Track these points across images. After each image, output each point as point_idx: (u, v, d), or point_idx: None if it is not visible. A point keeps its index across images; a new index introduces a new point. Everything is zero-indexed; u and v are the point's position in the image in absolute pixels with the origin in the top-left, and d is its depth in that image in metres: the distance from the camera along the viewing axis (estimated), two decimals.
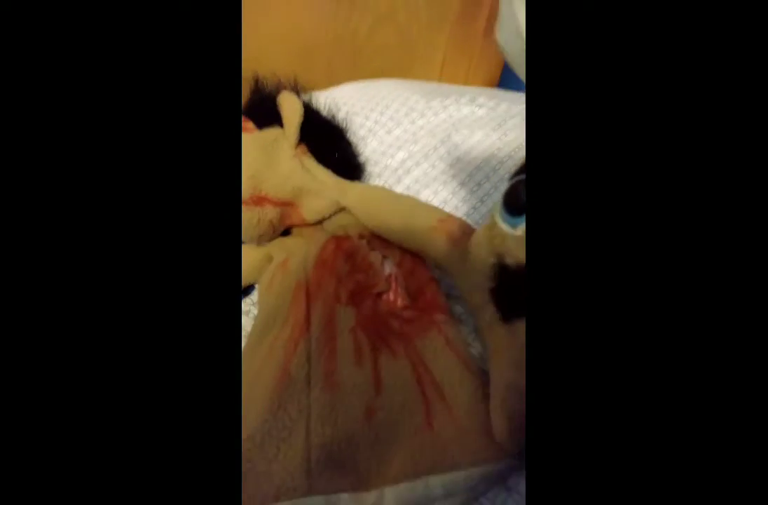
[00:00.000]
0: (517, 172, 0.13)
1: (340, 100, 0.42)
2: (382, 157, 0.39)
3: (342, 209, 0.30)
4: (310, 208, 0.29)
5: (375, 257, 0.26)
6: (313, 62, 0.62)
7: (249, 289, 0.34)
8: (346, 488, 0.16)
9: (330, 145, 0.33)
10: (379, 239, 0.28)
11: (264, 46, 0.61)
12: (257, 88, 0.35)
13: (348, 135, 0.36)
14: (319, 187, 0.29)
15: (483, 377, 0.20)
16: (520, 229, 0.12)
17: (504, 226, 0.13)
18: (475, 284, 0.17)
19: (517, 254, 0.13)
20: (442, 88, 0.46)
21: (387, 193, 0.29)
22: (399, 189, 0.35)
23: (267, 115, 0.32)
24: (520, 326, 0.15)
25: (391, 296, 0.25)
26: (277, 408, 0.18)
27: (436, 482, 0.16)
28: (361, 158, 0.37)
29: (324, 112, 0.34)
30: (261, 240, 0.31)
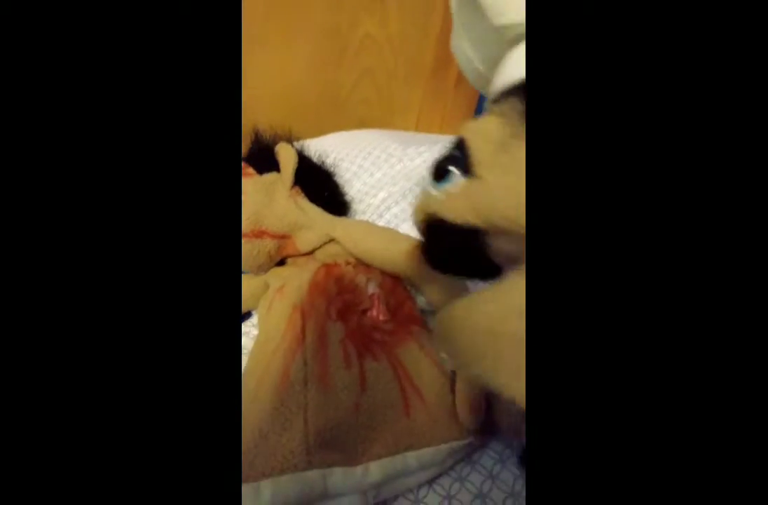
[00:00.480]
0: (452, 147, 0.17)
1: (328, 148, 0.48)
2: (365, 196, 0.44)
3: (331, 240, 0.34)
4: (304, 240, 0.34)
5: (360, 279, 0.31)
6: (302, 114, 0.69)
7: (248, 314, 0.37)
8: (338, 463, 0.20)
9: (320, 186, 0.38)
10: (363, 265, 0.32)
11: (258, 100, 0.68)
12: (257, 139, 0.40)
13: (335, 178, 0.41)
14: (311, 222, 0.34)
15: (450, 375, 0.24)
16: (442, 191, 0.16)
17: (431, 189, 0.17)
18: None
19: (440, 209, 0.16)
20: (417, 137, 0.53)
21: (370, 226, 0.34)
22: (380, 223, 0.41)
23: (265, 162, 0.37)
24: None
25: (374, 312, 0.29)
26: (280, 405, 0.22)
27: (412, 457, 0.20)
28: (347, 197, 0.42)
29: (314, 159, 0.40)
30: (260, 269, 0.35)
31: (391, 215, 0.41)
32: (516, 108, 0.14)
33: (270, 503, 0.19)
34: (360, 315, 0.28)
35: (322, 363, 0.24)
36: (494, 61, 0.18)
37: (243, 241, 0.33)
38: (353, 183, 0.45)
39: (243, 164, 0.38)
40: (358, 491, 0.20)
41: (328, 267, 0.32)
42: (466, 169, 0.15)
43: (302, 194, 0.36)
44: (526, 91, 0.13)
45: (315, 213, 0.35)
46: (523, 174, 0.12)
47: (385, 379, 0.24)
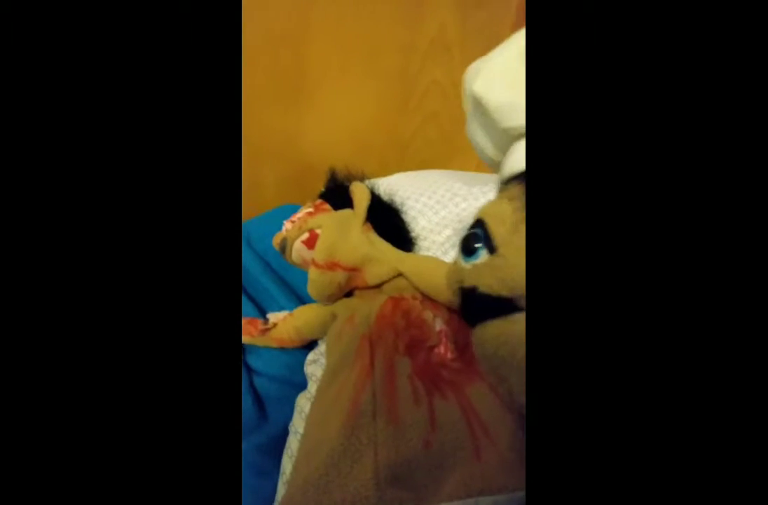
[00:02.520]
0: (472, 226, 0.19)
1: (395, 187, 0.50)
2: (430, 234, 0.46)
3: (399, 275, 0.35)
4: (373, 273, 0.35)
5: (427, 315, 0.31)
6: (367, 154, 0.73)
7: (314, 343, 0.39)
8: (408, 502, 0.19)
9: (388, 223, 0.40)
10: (430, 300, 0.33)
11: (327, 143, 0.73)
12: (333, 177, 0.43)
13: (402, 215, 0.43)
14: (380, 256, 0.36)
15: (522, 418, 0.23)
16: (471, 265, 0.18)
17: (462, 262, 0.19)
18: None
19: (469, 279, 0.18)
20: (481, 177, 0.54)
21: (438, 262, 0.35)
22: (446, 261, 0.41)
23: (340, 199, 0.40)
24: None
25: (442, 349, 0.29)
26: (350, 435, 0.22)
27: (485, 502, 0.19)
28: (413, 234, 0.43)
29: (384, 197, 0.42)
30: (329, 299, 0.36)
31: (456, 253, 0.42)
32: (522, 194, 0.17)
33: None
34: (427, 352, 0.28)
35: (391, 397, 0.25)
36: (503, 151, 0.20)
37: (317, 272, 0.35)
38: (418, 220, 0.47)
39: (319, 201, 0.41)
40: None
41: (395, 300, 0.33)
42: (490, 246, 0.17)
43: (372, 230, 0.38)
44: (526, 182, 0.16)
45: (385, 248, 0.36)
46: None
47: (454, 419, 0.24)
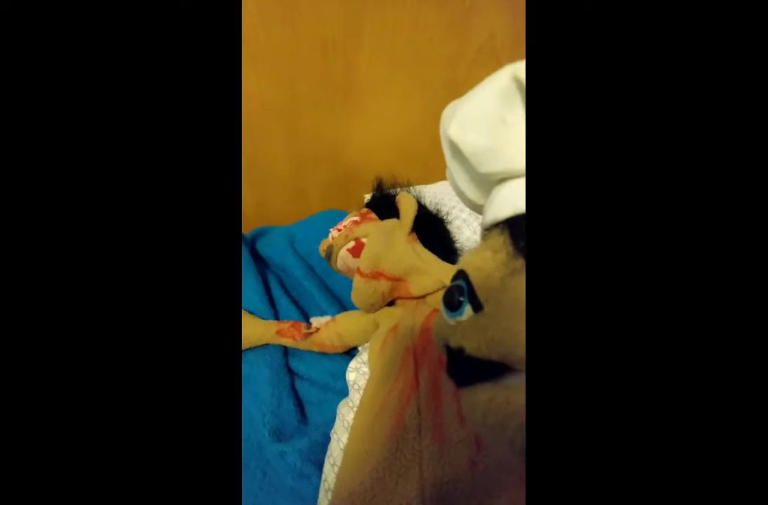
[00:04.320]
0: (455, 278, 0.17)
1: (440, 196, 0.50)
2: (474, 244, 0.45)
3: (444, 287, 0.35)
4: (417, 284, 0.35)
5: None
6: (412, 161, 0.73)
7: (354, 350, 0.39)
8: None
9: (434, 233, 0.40)
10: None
11: (372, 149, 0.74)
12: (379, 186, 0.44)
13: (448, 225, 0.43)
14: (426, 267, 0.35)
15: None
16: (455, 321, 0.17)
17: (446, 317, 0.17)
18: None
19: (454, 338, 0.17)
20: None
21: None
22: None
23: (386, 208, 0.40)
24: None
25: None
26: (395, 449, 0.22)
27: None
28: (457, 245, 0.43)
29: (430, 206, 0.42)
30: (372, 308, 0.37)
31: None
32: (507, 246, 0.15)
33: None
34: None
35: (436, 414, 0.24)
36: (485, 195, 0.19)
37: (362, 281, 0.35)
38: (463, 230, 0.46)
39: (366, 210, 0.41)
40: None
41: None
42: (475, 303, 0.16)
43: (418, 241, 0.38)
44: (514, 233, 0.15)
45: (431, 259, 0.36)
46: (521, 315, 0.14)
47: None
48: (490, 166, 0.16)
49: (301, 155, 0.72)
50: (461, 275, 0.17)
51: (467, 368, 0.16)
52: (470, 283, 0.16)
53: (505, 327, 0.15)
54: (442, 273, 0.35)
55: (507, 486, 0.21)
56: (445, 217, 0.43)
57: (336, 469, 0.25)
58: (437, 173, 0.67)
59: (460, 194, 0.21)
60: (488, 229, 0.17)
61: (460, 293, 0.17)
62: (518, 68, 0.15)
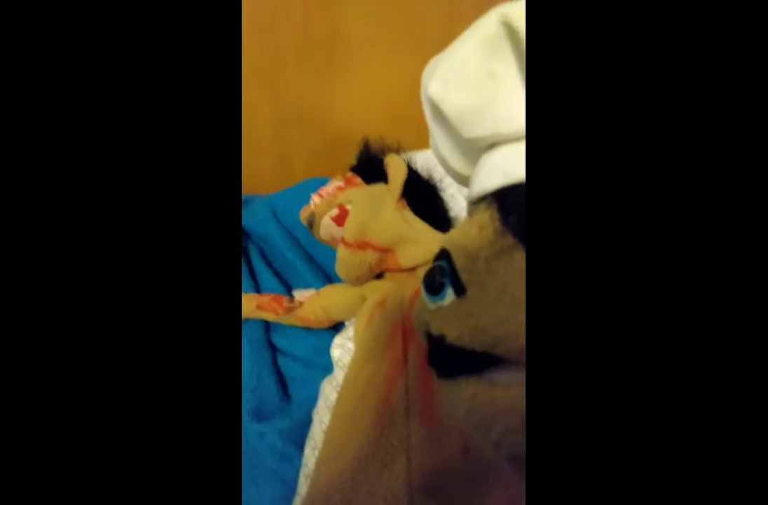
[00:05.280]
0: (437, 257, 0.16)
1: (432, 161, 0.47)
2: None
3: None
4: (407, 255, 0.32)
5: None
6: (404, 127, 0.68)
7: (340, 325, 0.37)
8: None
9: (426, 200, 0.37)
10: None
11: (360, 113, 0.69)
12: (366, 148, 0.40)
13: (441, 192, 0.40)
14: (416, 236, 0.33)
15: None
16: (436, 305, 0.15)
17: (426, 301, 0.16)
18: None
19: (435, 324, 0.15)
20: None
21: None
22: None
23: (373, 173, 0.37)
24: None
25: None
26: (380, 434, 0.20)
27: None
28: (452, 214, 0.40)
29: (422, 172, 0.39)
30: (358, 281, 0.34)
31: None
32: (495, 222, 0.14)
33: None
34: None
35: (426, 394, 0.22)
36: (470, 163, 0.17)
37: (347, 251, 0.32)
38: (458, 199, 0.43)
39: (350, 174, 0.38)
40: None
41: None
42: (457, 285, 0.14)
43: (408, 208, 0.35)
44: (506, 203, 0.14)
45: (422, 227, 0.33)
46: (510, 300, 0.13)
47: None
48: (477, 129, 0.14)
49: (283, 119, 0.67)
50: (443, 254, 0.15)
51: (449, 359, 0.15)
52: (453, 263, 0.14)
53: (490, 314, 0.13)
54: (434, 243, 0.32)
55: (505, 475, 0.19)
56: (438, 184, 0.40)
57: (317, 453, 0.23)
58: (429, 140, 0.64)
59: (444, 164, 0.19)
60: (474, 203, 0.16)
61: (442, 274, 0.15)
62: (507, 12, 0.13)
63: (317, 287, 0.40)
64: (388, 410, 0.21)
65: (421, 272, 0.33)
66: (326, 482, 0.19)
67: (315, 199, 0.36)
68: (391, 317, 0.28)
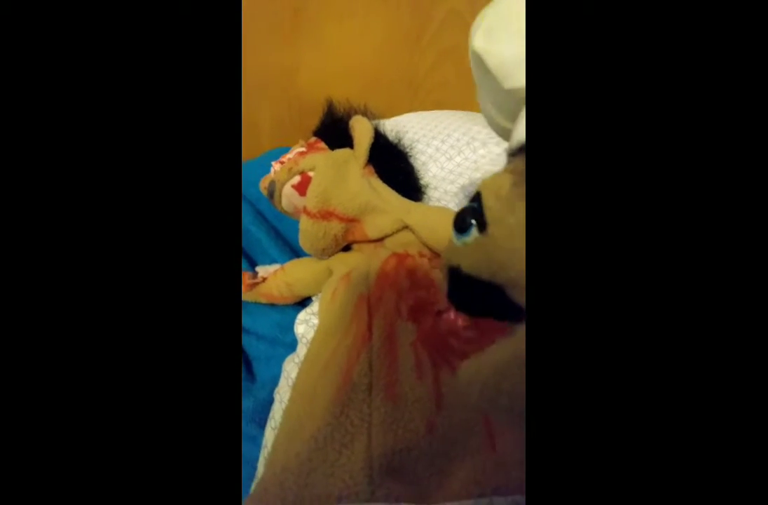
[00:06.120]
0: (472, 199, 0.17)
1: (404, 127, 0.44)
2: (442, 182, 0.40)
3: (404, 228, 0.31)
4: (374, 225, 0.30)
5: (436, 274, 0.27)
6: (375, 93, 0.65)
7: (307, 300, 0.35)
8: (407, 499, 0.16)
9: (394, 167, 0.35)
10: (439, 258, 0.28)
11: (329, 81, 0.65)
12: (330, 111, 0.37)
13: (411, 159, 0.37)
14: (383, 204, 0.31)
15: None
16: (461, 243, 0.16)
17: (454, 240, 0.17)
18: None
19: (455, 259, 0.17)
20: None
21: (451, 214, 0.30)
22: None
23: (338, 137, 0.34)
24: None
25: (452, 315, 0.25)
26: (339, 413, 0.19)
27: (500, 503, 0.16)
28: (422, 182, 0.38)
29: (391, 137, 0.36)
30: (324, 253, 0.32)
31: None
32: (524, 168, 0.15)
33: None
34: (435, 317, 0.24)
35: (390, 369, 0.21)
36: (512, 117, 0.18)
37: (309, 222, 0.30)
38: (429, 167, 0.41)
39: (313, 139, 0.35)
40: None
41: (399, 257, 0.28)
42: (481, 223, 0.16)
43: (375, 174, 0.33)
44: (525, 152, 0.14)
45: (390, 195, 0.31)
46: (523, 239, 0.13)
47: (464, 397, 0.20)
48: (517, 80, 0.15)
49: (247, 86, 0.63)
50: (477, 196, 0.16)
51: (463, 288, 0.16)
52: (482, 204, 0.16)
53: (504, 248, 0.14)
54: (403, 212, 0.30)
55: (471, 450, 0.18)
56: (408, 151, 0.37)
57: (275, 436, 0.22)
58: (404, 106, 0.60)
59: (489, 119, 0.20)
60: (513, 155, 0.16)
61: (472, 214, 0.16)
62: None
63: (283, 263, 0.38)
64: (350, 387, 0.20)
65: (390, 242, 0.31)
66: (281, 465, 0.18)
67: (275, 166, 0.34)
68: (356, 290, 0.26)
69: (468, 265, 0.16)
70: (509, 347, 0.14)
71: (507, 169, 0.16)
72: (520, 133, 0.16)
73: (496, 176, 0.16)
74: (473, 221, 0.16)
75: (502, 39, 0.15)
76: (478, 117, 0.48)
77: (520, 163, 0.15)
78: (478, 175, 0.39)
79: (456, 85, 0.67)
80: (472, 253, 0.16)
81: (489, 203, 0.15)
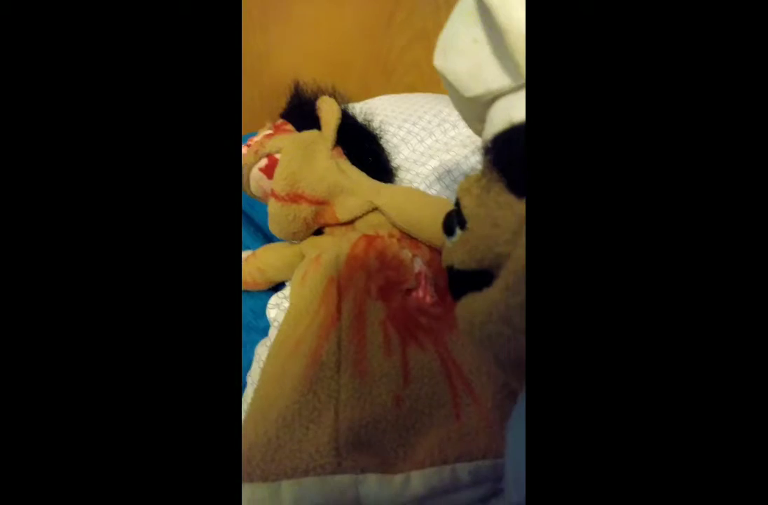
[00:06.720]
0: (456, 203, 0.18)
1: (375, 110, 0.44)
2: (413, 165, 0.40)
3: (374, 209, 0.30)
4: (344, 207, 0.30)
5: (405, 254, 0.27)
6: (346, 76, 0.64)
7: (281, 285, 0.35)
8: (373, 469, 0.16)
9: (364, 149, 0.34)
10: (409, 239, 0.29)
11: (301, 62, 0.64)
12: (297, 92, 0.36)
13: (381, 141, 0.37)
14: (353, 186, 0.30)
15: (512, 371, 0.20)
16: (451, 243, 0.18)
17: (447, 243, 0.19)
18: None
19: (448, 258, 0.18)
20: None
21: (419, 194, 0.30)
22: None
23: (305, 118, 0.34)
24: None
25: (420, 293, 0.25)
26: (307, 391, 0.19)
27: (463, 469, 0.16)
28: (393, 164, 0.38)
29: (360, 118, 0.36)
30: (295, 237, 0.32)
31: (442, 187, 0.37)
32: (488, 165, 0.16)
33: None
34: (404, 295, 0.25)
35: (359, 346, 0.21)
36: (481, 118, 0.19)
37: (277, 205, 0.30)
38: (401, 149, 0.41)
39: (280, 121, 0.34)
40: (396, 503, 0.16)
41: (369, 238, 0.28)
42: (461, 221, 0.17)
43: (344, 156, 0.33)
44: (496, 148, 0.16)
45: (358, 177, 0.31)
46: (495, 222, 0.15)
47: (432, 371, 0.20)
48: (474, 89, 0.16)
49: None
50: (457, 200, 0.18)
51: (459, 284, 0.18)
52: (459, 205, 0.17)
53: (480, 236, 0.16)
54: (372, 193, 0.30)
55: (437, 420, 0.19)
56: (378, 133, 0.37)
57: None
58: (377, 90, 0.60)
59: (472, 126, 0.22)
60: (486, 153, 0.17)
61: (455, 215, 0.18)
62: None
63: (255, 249, 0.37)
64: (318, 366, 0.20)
65: (360, 224, 0.31)
66: (249, 443, 0.18)
67: (243, 149, 0.33)
68: (326, 272, 0.26)
69: (459, 261, 0.17)
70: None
71: (481, 169, 0.17)
72: (487, 133, 0.17)
73: (469, 178, 0.18)
74: (454, 222, 0.17)
75: (454, 56, 0.17)
76: (448, 99, 0.48)
77: (485, 158, 0.16)
78: (448, 157, 0.39)
79: (428, 68, 0.66)
80: (460, 249, 0.17)
81: (464, 202, 0.17)
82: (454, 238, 0.18)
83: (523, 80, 0.15)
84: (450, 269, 0.18)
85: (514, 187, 0.15)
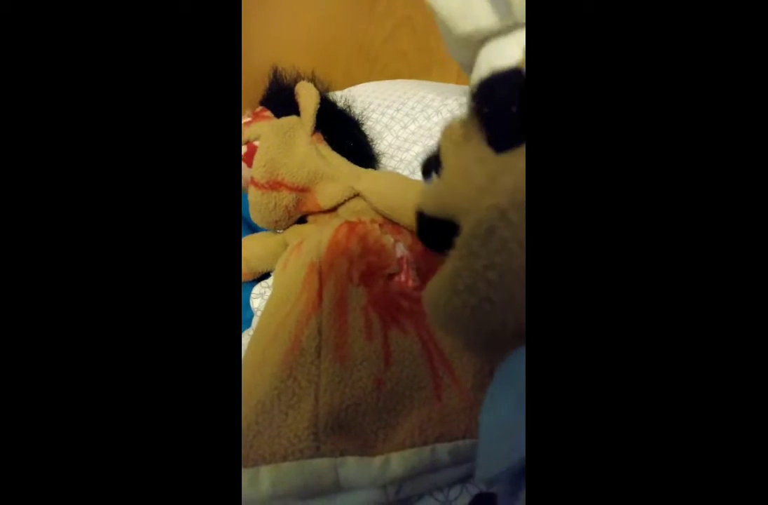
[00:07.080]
0: (438, 146, 0.18)
1: (357, 97, 0.43)
2: (397, 151, 0.40)
3: (356, 196, 0.30)
4: (325, 194, 0.30)
5: (387, 239, 0.26)
6: (330, 65, 0.63)
7: (266, 275, 0.34)
8: (352, 452, 0.16)
9: (345, 135, 0.34)
10: (391, 224, 0.28)
11: (282, 51, 0.63)
12: (276, 79, 0.36)
13: (363, 128, 0.36)
14: (334, 172, 0.30)
15: (490, 355, 0.20)
16: (427, 185, 0.18)
17: (424, 186, 0.19)
18: None
19: (419, 202, 0.18)
20: (458, 88, 0.47)
21: (400, 178, 0.30)
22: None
23: (284, 105, 0.33)
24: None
25: (402, 278, 0.25)
26: (287, 377, 0.19)
27: (442, 450, 0.16)
28: (376, 150, 0.37)
29: (340, 103, 0.35)
30: (277, 226, 0.31)
31: None
32: (471, 110, 0.16)
33: (270, 491, 0.16)
34: (386, 280, 0.24)
35: (340, 331, 0.21)
36: (470, 59, 0.20)
37: (258, 193, 0.29)
38: (384, 136, 0.40)
39: (259, 108, 0.34)
40: (376, 485, 0.16)
41: (350, 224, 0.28)
42: (437, 165, 0.17)
43: (325, 142, 0.32)
44: (479, 95, 0.16)
45: (339, 162, 0.31)
46: (466, 175, 0.15)
47: (413, 354, 0.20)
48: (463, 27, 0.17)
49: None
50: (438, 144, 0.18)
51: (425, 229, 0.18)
52: (439, 149, 0.17)
53: (450, 185, 0.16)
54: (353, 178, 0.30)
55: (418, 402, 0.18)
56: (359, 118, 0.36)
57: None
58: (362, 78, 0.59)
59: (462, 66, 0.22)
60: (473, 98, 0.17)
61: (433, 158, 0.17)
62: None
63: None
64: (298, 351, 0.20)
65: (343, 211, 0.31)
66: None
67: None
68: (307, 258, 0.26)
69: (429, 207, 0.17)
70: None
71: (463, 115, 0.17)
72: (473, 79, 0.17)
73: (453, 122, 0.17)
74: (434, 166, 0.17)
75: None
76: (432, 85, 0.48)
77: (473, 106, 0.16)
78: (432, 143, 0.39)
79: (414, 56, 0.66)
80: (431, 195, 0.17)
81: (444, 148, 0.17)
82: (430, 182, 0.18)
83: (512, 20, 0.15)
84: (420, 215, 0.19)
85: (492, 140, 0.15)
